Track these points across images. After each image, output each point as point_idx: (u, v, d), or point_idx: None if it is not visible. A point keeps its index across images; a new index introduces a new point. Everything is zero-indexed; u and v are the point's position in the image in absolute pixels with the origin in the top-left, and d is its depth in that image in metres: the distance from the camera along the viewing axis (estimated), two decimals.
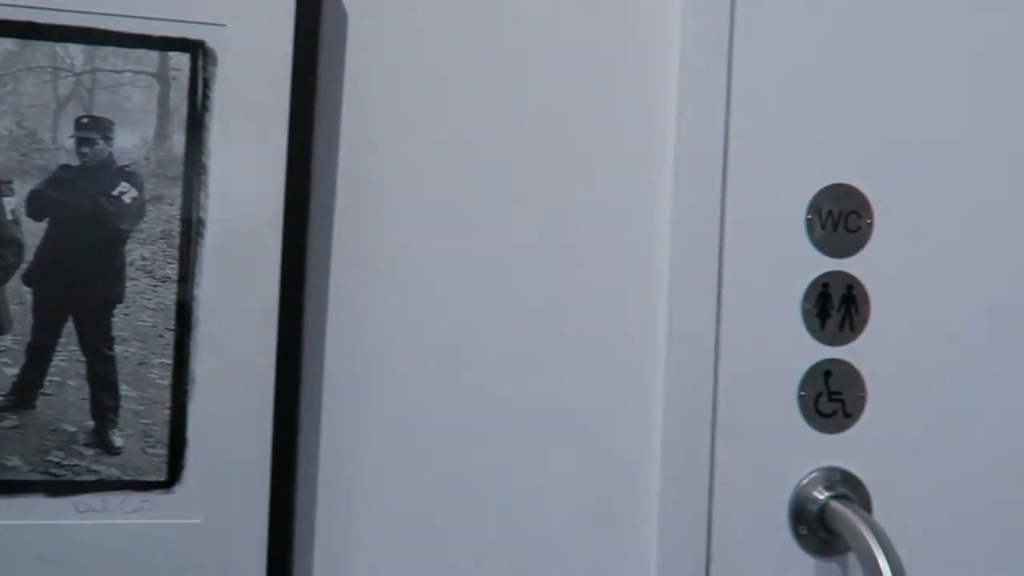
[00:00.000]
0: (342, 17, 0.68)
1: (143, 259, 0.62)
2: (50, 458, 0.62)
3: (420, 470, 0.70)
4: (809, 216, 0.75)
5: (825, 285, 0.75)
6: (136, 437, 0.63)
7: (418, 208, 0.70)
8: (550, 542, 0.72)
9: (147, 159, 0.62)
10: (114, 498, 0.63)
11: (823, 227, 0.75)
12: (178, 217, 0.63)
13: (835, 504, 0.74)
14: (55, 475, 0.62)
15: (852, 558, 0.75)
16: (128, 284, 0.62)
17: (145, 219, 0.62)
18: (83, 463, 0.62)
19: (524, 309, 0.72)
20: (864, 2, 0.76)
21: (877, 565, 0.68)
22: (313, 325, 0.68)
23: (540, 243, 0.72)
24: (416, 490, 0.70)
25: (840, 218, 0.76)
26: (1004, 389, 0.79)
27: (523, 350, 0.72)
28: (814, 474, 0.76)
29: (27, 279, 0.61)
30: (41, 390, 0.62)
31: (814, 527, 0.75)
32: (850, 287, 0.76)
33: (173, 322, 0.63)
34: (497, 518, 0.72)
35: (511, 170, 0.71)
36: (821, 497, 0.75)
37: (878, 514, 0.76)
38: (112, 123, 0.61)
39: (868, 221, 0.76)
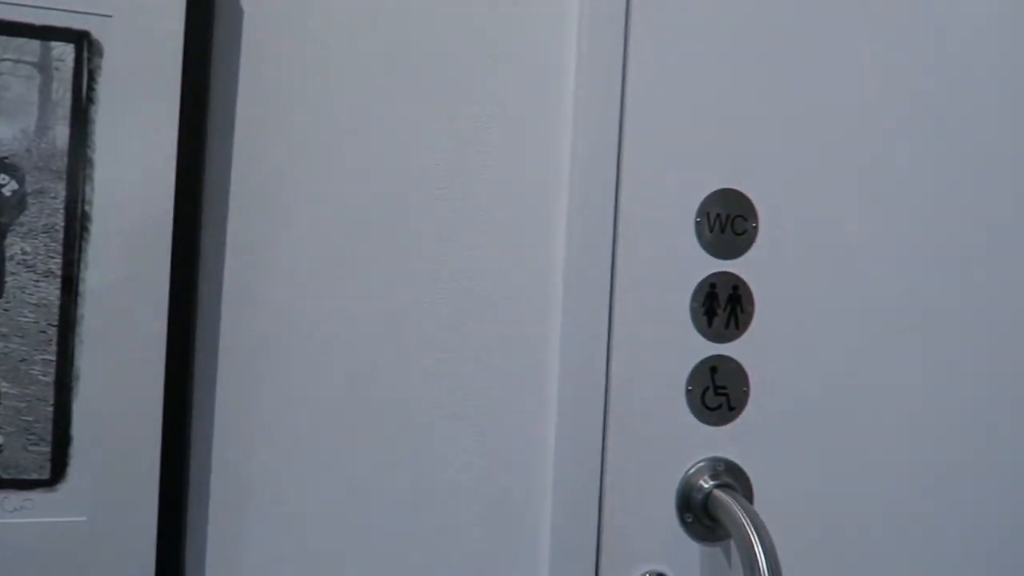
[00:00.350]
0: (237, 13, 0.67)
1: (24, 253, 0.61)
2: None
3: (314, 466, 0.71)
4: (698, 219, 0.79)
5: (712, 285, 0.79)
6: (17, 435, 0.61)
7: (313, 203, 0.70)
8: (444, 531, 0.74)
9: (28, 151, 0.60)
10: None
11: (711, 230, 0.79)
12: (62, 211, 0.61)
13: (718, 493, 0.78)
14: None
15: (734, 544, 0.79)
16: (8, 279, 0.61)
17: (26, 212, 0.61)
18: None
19: (420, 306, 0.73)
20: (753, 15, 0.80)
21: (753, 550, 0.72)
22: (206, 321, 0.68)
23: (436, 240, 0.73)
24: (310, 486, 0.71)
25: (727, 221, 0.79)
26: (878, 384, 0.84)
27: (418, 346, 0.73)
28: (700, 464, 0.80)
29: None
30: None
31: (699, 515, 0.79)
32: (736, 287, 0.80)
33: (56, 318, 0.62)
34: (390, 510, 0.73)
35: (407, 166, 0.72)
36: (706, 486, 0.79)
37: (759, 501, 0.81)
38: None
39: (753, 225, 0.80)
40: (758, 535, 0.72)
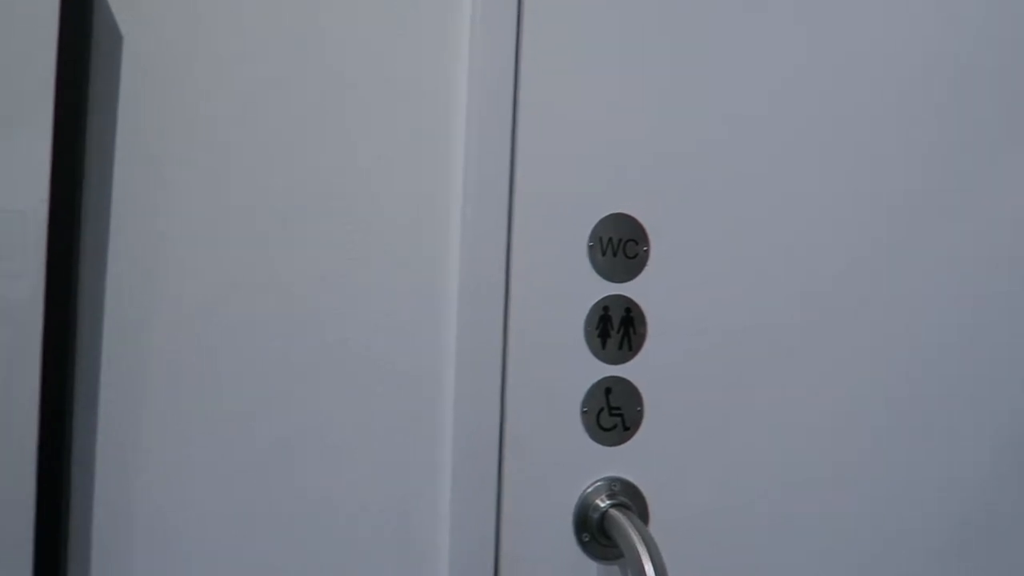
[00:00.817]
0: (116, 38, 0.66)
1: None
2: None
3: (204, 494, 0.70)
4: (591, 243, 0.80)
5: (606, 308, 0.81)
6: None
7: (196, 227, 0.69)
8: (341, 558, 0.74)
9: None
10: None
11: (604, 254, 0.81)
12: None
13: (613, 512, 0.79)
14: None
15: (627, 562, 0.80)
16: None
17: None
18: None
19: (309, 330, 0.73)
20: (643, 42, 0.82)
21: (642, 568, 0.73)
22: (85, 354, 0.66)
23: (325, 262, 0.73)
24: (201, 514, 0.69)
25: (619, 245, 0.81)
26: (768, 401, 0.86)
27: (310, 373, 0.73)
28: (598, 484, 0.81)
29: None
30: None
31: (595, 534, 0.80)
32: (628, 310, 0.81)
33: None
34: (288, 537, 0.72)
35: (290, 188, 0.72)
36: (602, 505, 0.80)
37: (655, 518, 0.82)
38: None
39: (645, 248, 0.82)
40: (648, 553, 0.74)
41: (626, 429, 0.82)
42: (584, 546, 0.80)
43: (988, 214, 0.92)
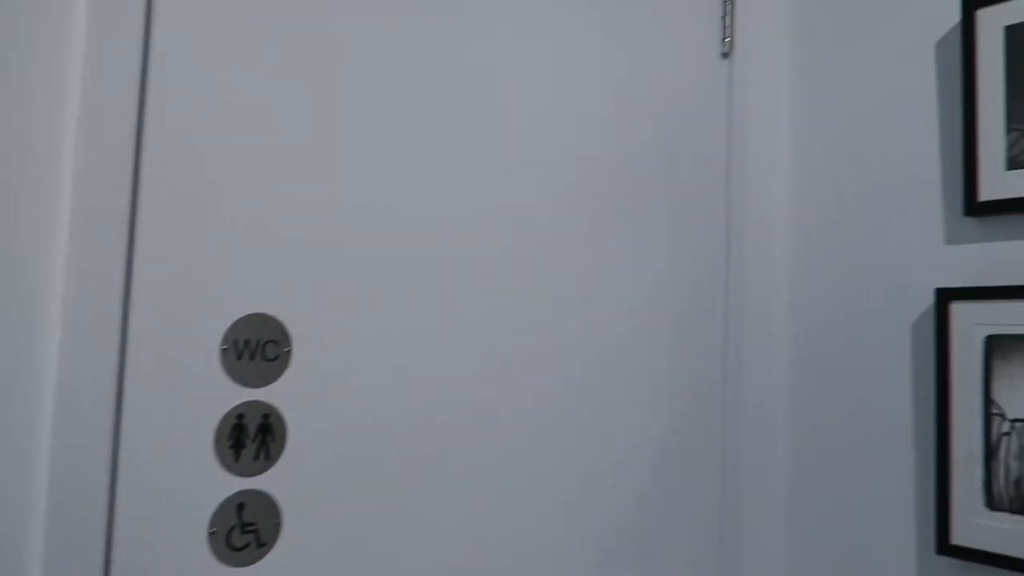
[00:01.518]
0: None
1: None
2: None
3: None
4: (225, 347, 0.73)
5: (240, 416, 0.74)
6: None
7: None
8: None
9: None
10: None
11: (239, 357, 0.74)
12: None
13: None
14: None
15: None
16: None
17: None
18: None
19: None
20: (280, 128, 0.78)
21: None
22: None
23: None
24: None
25: (257, 347, 0.75)
26: (417, 503, 0.86)
27: None
28: None
29: None
30: None
31: None
32: (267, 416, 0.76)
33: None
34: None
35: None
36: None
37: None
38: None
39: (286, 349, 0.77)
40: None
41: (261, 546, 0.75)
42: None
43: (625, 276, 1.03)
